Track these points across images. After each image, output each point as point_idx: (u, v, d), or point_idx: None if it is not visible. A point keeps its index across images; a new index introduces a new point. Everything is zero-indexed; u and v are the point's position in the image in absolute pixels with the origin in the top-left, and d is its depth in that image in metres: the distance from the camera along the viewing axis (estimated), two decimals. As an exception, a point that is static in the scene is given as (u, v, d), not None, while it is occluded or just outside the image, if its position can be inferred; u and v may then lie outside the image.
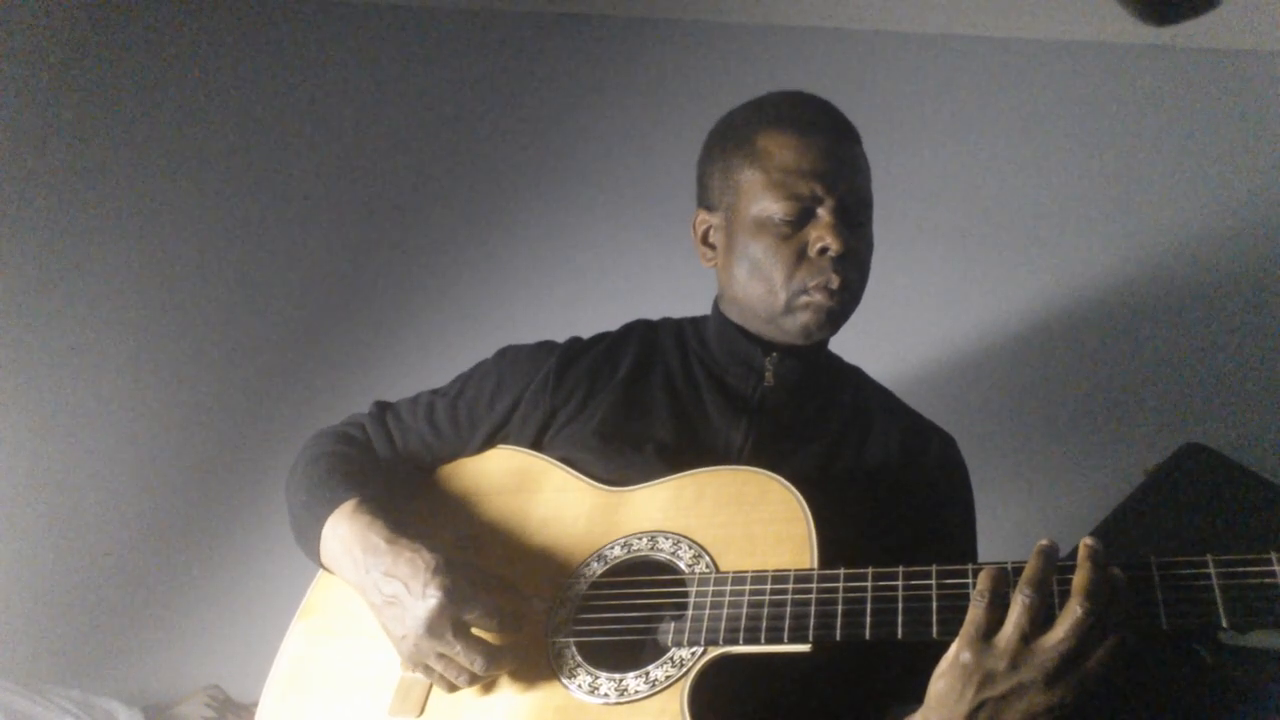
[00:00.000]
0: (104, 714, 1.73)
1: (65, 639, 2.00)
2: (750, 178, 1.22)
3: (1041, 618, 0.86)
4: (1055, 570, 0.88)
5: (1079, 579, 0.85)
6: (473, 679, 1.04)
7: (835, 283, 1.18)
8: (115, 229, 2.41)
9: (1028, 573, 0.87)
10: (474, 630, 1.05)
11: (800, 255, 1.18)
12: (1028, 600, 0.85)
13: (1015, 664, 0.85)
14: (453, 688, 1.06)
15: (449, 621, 1.03)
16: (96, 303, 2.33)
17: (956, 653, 0.88)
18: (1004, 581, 0.88)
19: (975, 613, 0.87)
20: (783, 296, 1.20)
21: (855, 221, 1.21)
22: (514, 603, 1.08)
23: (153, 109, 2.54)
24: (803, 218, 1.19)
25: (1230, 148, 2.41)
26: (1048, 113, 2.49)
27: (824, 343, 1.31)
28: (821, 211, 1.18)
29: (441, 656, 1.04)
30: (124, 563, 2.08)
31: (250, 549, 2.10)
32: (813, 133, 1.20)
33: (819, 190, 1.18)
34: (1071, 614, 0.84)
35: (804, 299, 1.19)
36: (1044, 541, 0.89)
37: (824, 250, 1.17)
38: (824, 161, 1.18)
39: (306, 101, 2.58)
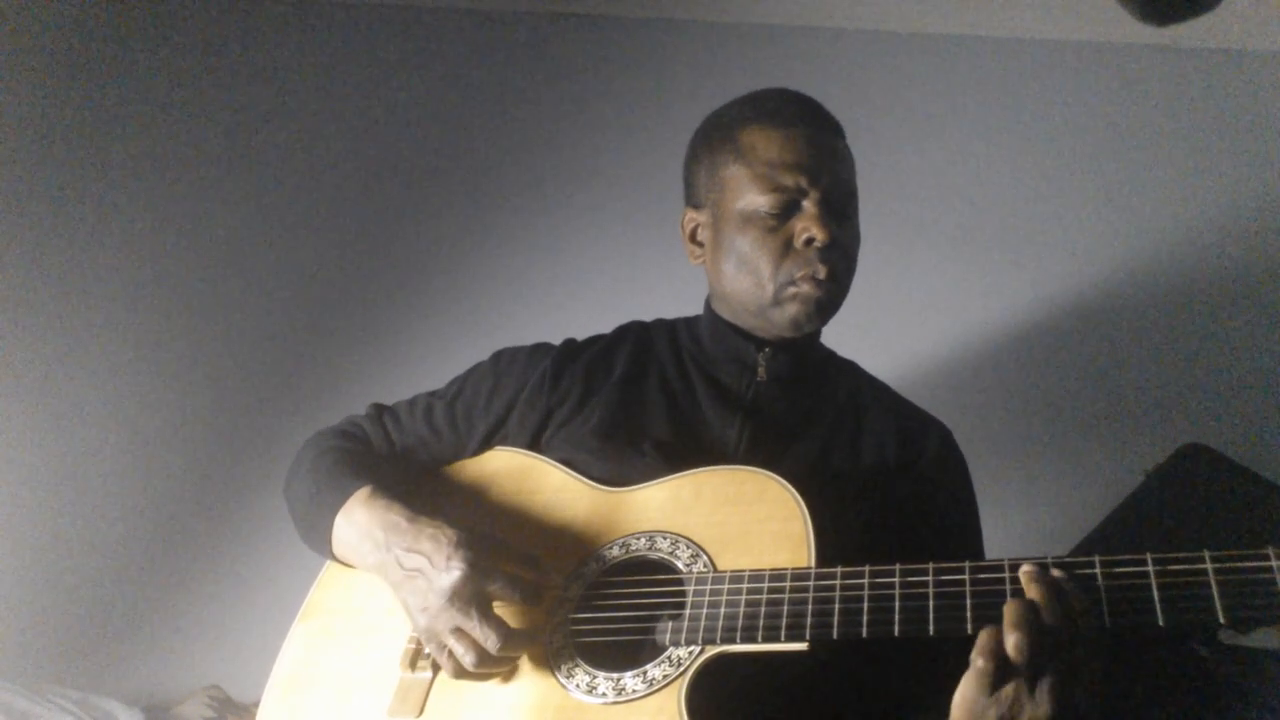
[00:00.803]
0: (104, 714, 1.72)
1: (65, 639, 2.00)
2: (735, 173, 1.23)
3: (1033, 664, 0.86)
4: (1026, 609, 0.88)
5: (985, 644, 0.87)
6: (482, 657, 1.03)
7: (822, 273, 1.18)
8: (115, 229, 2.41)
9: (1014, 642, 0.86)
10: (494, 609, 1.05)
11: (786, 247, 1.19)
12: (1018, 643, 0.86)
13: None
14: (459, 671, 1.05)
15: (471, 593, 1.03)
16: (96, 303, 2.33)
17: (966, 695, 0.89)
18: (1000, 639, 0.87)
19: (982, 679, 0.87)
20: (770, 289, 1.21)
21: (840, 213, 1.22)
22: (534, 575, 1.09)
23: (153, 109, 2.54)
24: (788, 210, 1.20)
25: (1230, 148, 2.41)
26: (1048, 113, 2.49)
27: (816, 337, 1.31)
28: (806, 203, 1.20)
29: (456, 630, 1.04)
30: (124, 563, 2.09)
31: (250, 549, 2.10)
32: (795, 126, 1.21)
33: (803, 182, 1.19)
34: (1015, 679, 0.86)
35: (792, 290, 1.20)
36: (988, 635, 0.88)
37: (810, 241, 1.18)
38: (807, 154, 1.20)
39: (306, 102, 2.58)
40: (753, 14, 2.60)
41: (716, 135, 1.28)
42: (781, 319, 1.22)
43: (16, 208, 2.37)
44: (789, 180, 1.19)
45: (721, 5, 2.59)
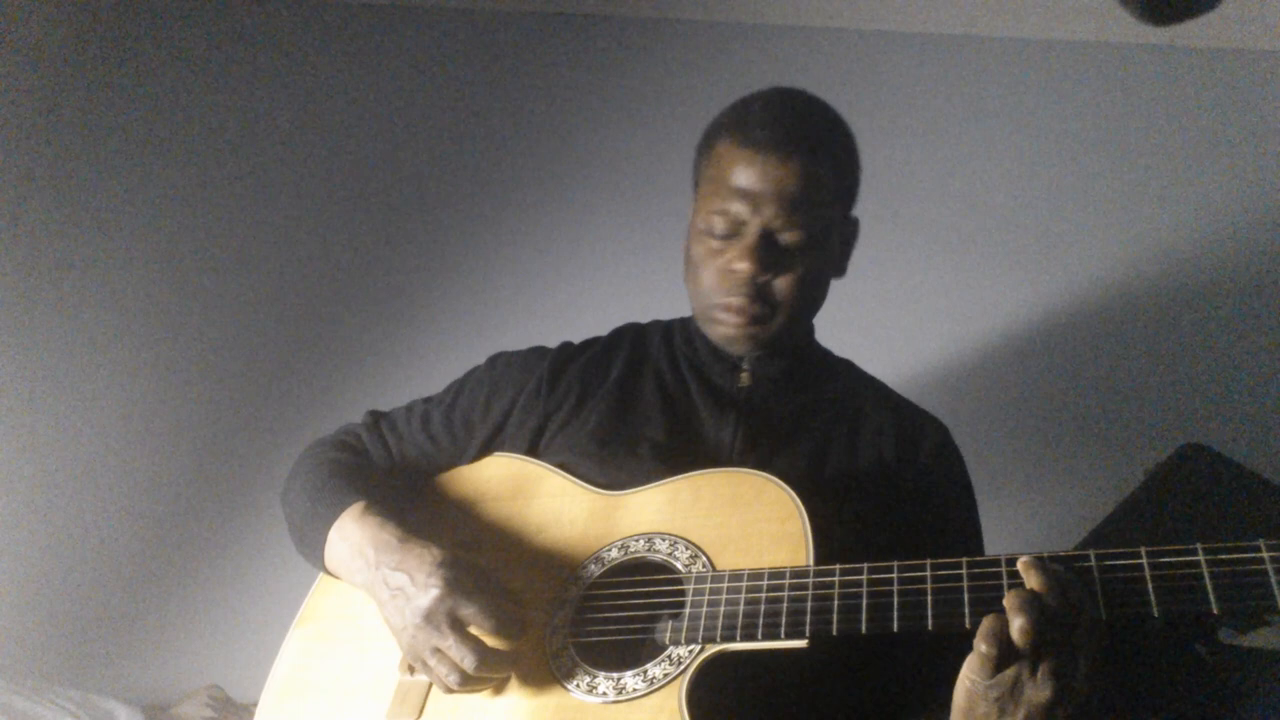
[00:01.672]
0: (104, 714, 1.72)
1: (65, 639, 2.00)
2: (705, 178, 1.24)
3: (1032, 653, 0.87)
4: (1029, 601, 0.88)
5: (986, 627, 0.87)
6: (464, 678, 1.03)
7: (738, 304, 1.19)
8: (114, 231, 2.41)
9: (1019, 626, 0.87)
10: (472, 630, 1.05)
11: (724, 269, 1.19)
12: (1024, 625, 0.86)
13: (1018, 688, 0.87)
14: (446, 689, 1.05)
15: (446, 613, 1.03)
16: (96, 305, 2.33)
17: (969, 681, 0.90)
18: (1004, 624, 0.87)
19: (985, 663, 0.88)
20: (703, 304, 1.23)
21: (786, 247, 1.18)
22: (514, 610, 1.08)
23: (153, 109, 2.54)
24: (734, 232, 1.19)
25: (1230, 148, 2.41)
26: (1048, 113, 2.49)
27: (808, 337, 1.31)
28: (746, 232, 1.18)
29: (436, 651, 1.04)
30: (124, 563, 2.09)
31: (250, 550, 2.10)
32: (762, 151, 1.17)
33: (745, 212, 1.17)
34: (1017, 663, 0.86)
35: (716, 313, 1.21)
36: (992, 620, 0.88)
37: (735, 270, 1.18)
38: (761, 183, 1.16)
39: (306, 102, 2.58)
40: (753, 14, 2.60)
41: (707, 136, 1.27)
42: (714, 336, 1.24)
43: (17, 208, 2.37)
44: (734, 207, 1.18)
45: (721, 5, 2.59)
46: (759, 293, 1.19)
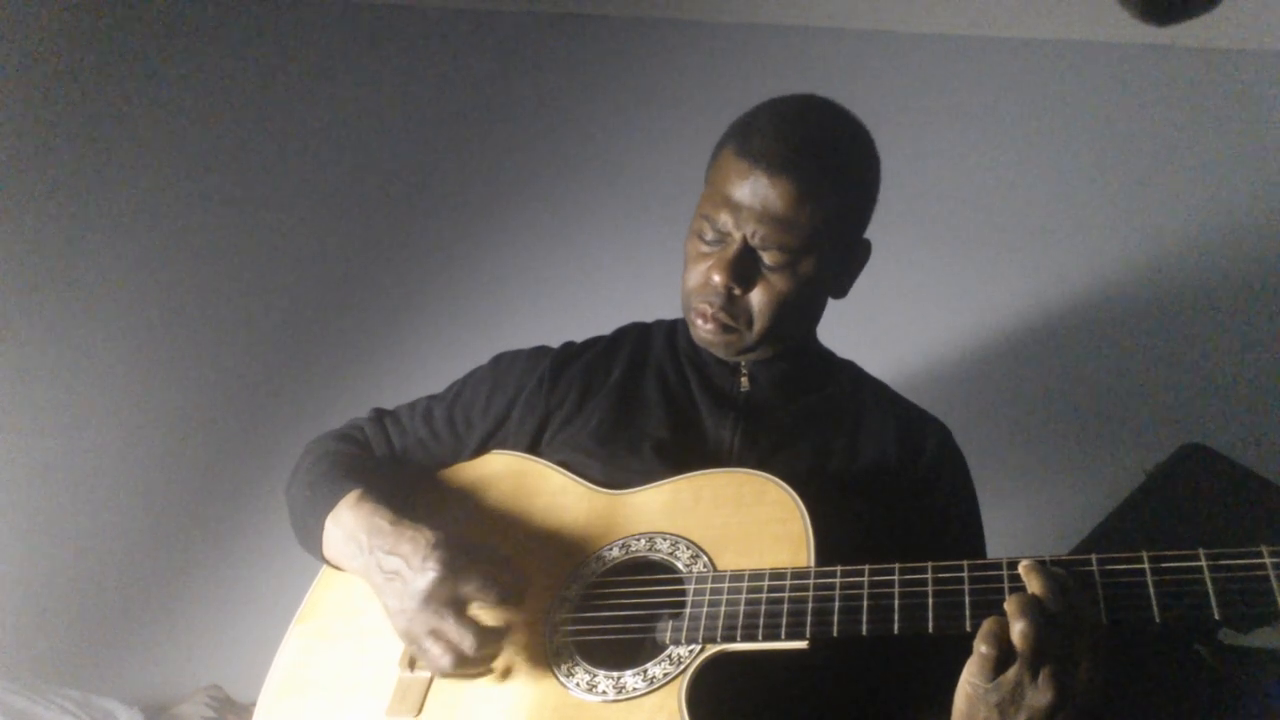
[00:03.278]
0: (104, 714, 1.72)
1: (65, 639, 2.00)
2: (708, 180, 1.23)
3: (1033, 658, 0.87)
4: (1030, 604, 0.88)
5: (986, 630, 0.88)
6: (461, 660, 1.03)
7: (710, 312, 1.19)
8: (115, 230, 2.41)
9: (1020, 630, 0.87)
10: (471, 611, 1.05)
11: (705, 275, 1.19)
12: (1024, 630, 0.86)
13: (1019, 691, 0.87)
14: (441, 672, 1.05)
15: (445, 594, 1.03)
16: (97, 303, 2.33)
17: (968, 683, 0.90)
18: (1004, 626, 0.88)
19: (985, 665, 0.88)
20: (685, 303, 1.24)
21: (767, 264, 1.17)
22: (512, 580, 1.08)
23: (153, 109, 2.54)
24: (718, 240, 1.19)
25: (1230, 148, 2.41)
26: (1048, 113, 2.50)
27: (806, 339, 1.31)
28: (729, 243, 1.18)
29: (432, 633, 1.04)
30: (124, 563, 2.09)
31: (250, 549, 2.10)
32: (756, 164, 1.15)
33: (730, 223, 1.17)
34: (1020, 664, 0.86)
35: (693, 315, 1.22)
36: (993, 623, 0.88)
37: (712, 280, 1.18)
38: (749, 198, 1.15)
39: (306, 102, 2.58)
40: (753, 14, 2.60)
41: (723, 136, 1.26)
42: (693, 336, 1.25)
43: (17, 209, 2.37)
44: (722, 216, 1.17)
45: (721, 5, 2.60)
46: (732, 305, 1.19)
